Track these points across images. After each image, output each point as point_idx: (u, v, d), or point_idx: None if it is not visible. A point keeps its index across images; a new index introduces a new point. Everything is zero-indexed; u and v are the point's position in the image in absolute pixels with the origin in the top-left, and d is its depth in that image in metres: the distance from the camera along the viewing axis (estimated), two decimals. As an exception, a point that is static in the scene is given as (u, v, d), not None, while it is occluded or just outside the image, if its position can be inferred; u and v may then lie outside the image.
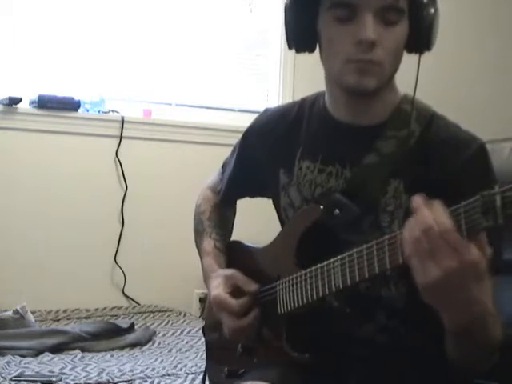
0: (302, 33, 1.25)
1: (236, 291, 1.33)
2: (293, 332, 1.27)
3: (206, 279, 1.43)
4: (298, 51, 1.29)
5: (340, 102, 1.28)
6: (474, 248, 0.94)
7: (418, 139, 1.23)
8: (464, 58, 3.83)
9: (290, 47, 1.29)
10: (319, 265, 1.18)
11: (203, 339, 1.59)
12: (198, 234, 1.55)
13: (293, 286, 1.24)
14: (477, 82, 3.83)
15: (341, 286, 1.13)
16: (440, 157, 1.21)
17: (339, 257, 1.13)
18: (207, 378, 1.55)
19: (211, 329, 1.48)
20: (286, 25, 1.27)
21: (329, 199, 1.26)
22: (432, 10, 1.20)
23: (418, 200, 0.98)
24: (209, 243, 1.49)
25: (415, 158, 1.22)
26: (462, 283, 0.96)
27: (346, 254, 1.12)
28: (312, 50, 1.27)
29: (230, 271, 1.38)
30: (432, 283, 0.96)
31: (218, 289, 1.34)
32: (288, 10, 1.26)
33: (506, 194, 0.89)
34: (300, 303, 1.22)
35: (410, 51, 1.24)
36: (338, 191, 1.25)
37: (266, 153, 1.41)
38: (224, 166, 1.57)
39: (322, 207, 1.25)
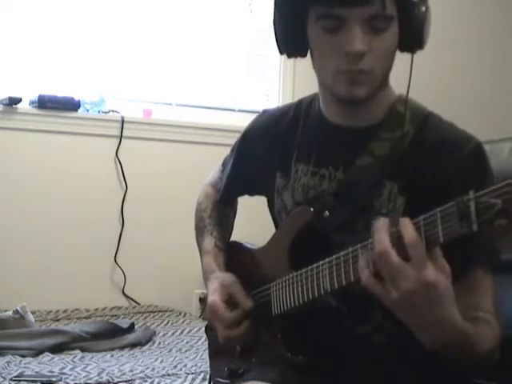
0: (291, 40, 1.25)
1: (231, 300, 1.35)
2: (289, 332, 1.27)
3: (205, 279, 1.45)
4: (289, 57, 1.29)
5: (333, 106, 1.29)
6: (431, 268, 0.94)
7: (412, 140, 1.22)
8: (464, 58, 3.83)
9: (281, 53, 1.28)
10: (309, 267, 1.18)
11: (203, 339, 1.60)
12: (199, 231, 1.56)
13: (286, 287, 1.25)
14: (476, 82, 3.83)
15: (329, 289, 1.13)
16: (436, 157, 1.20)
17: (327, 260, 1.13)
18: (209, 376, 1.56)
19: (212, 329, 1.48)
20: (275, 32, 1.26)
21: (319, 202, 1.26)
22: (422, 8, 1.19)
23: (379, 223, 0.99)
24: (209, 241, 1.50)
25: (410, 159, 1.21)
26: (423, 304, 0.96)
27: (334, 257, 1.11)
28: (304, 56, 1.27)
29: (228, 280, 1.38)
30: (393, 305, 0.98)
31: (214, 295, 1.35)
32: (277, 19, 1.25)
33: (480, 200, 0.87)
34: (292, 304, 1.23)
35: (402, 50, 1.23)
36: (331, 194, 1.26)
37: (264, 155, 1.41)
38: (224, 164, 1.58)
39: (311, 209, 1.26)
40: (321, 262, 1.15)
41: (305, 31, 1.22)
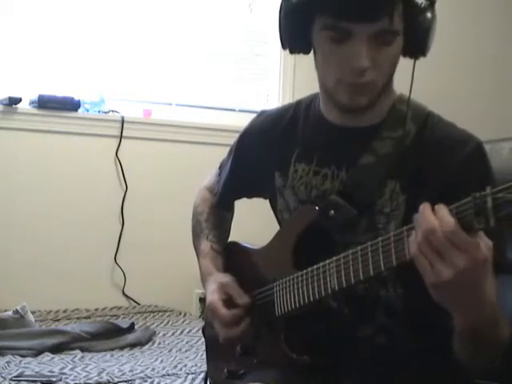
0: (295, 38, 1.24)
1: (230, 299, 1.35)
2: (291, 333, 1.27)
3: (204, 281, 1.45)
4: (291, 52, 1.28)
5: (334, 108, 1.28)
6: (483, 245, 0.94)
7: (413, 139, 1.23)
8: (464, 58, 3.83)
9: (283, 48, 1.28)
10: (315, 266, 1.18)
11: (203, 339, 1.59)
12: (196, 235, 1.56)
13: (289, 287, 1.25)
14: (476, 82, 3.83)
15: (336, 288, 1.13)
16: (436, 156, 1.20)
17: (334, 258, 1.13)
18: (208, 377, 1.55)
19: (211, 329, 1.48)
20: (280, 26, 1.25)
21: (325, 200, 1.26)
22: (429, 16, 1.18)
23: (424, 204, 0.98)
24: (206, 245, 1.50)
25: (411, 157, 1.22)
26: (474, 281, 0.96)
27: (342, 255, 1.12)
28: (306, 53, 1.26)
29: (225, 279, 1.39)
30: (444, 283, 0.95)
31: (213, 295, 1.36)
32: (282, 16, 1.24)
33: (496, 196, 0.88)
34: (297, 305, 1.23)
35: (404, 55, 1.22)
36: (335, 193, 1.25)
37: (262, 156, 1.41)
38: (221, 167, 1.58)
39: (317, 208, 1.25)
40: (327, 261, 1.15)
41: (310, 32, 1.21)
